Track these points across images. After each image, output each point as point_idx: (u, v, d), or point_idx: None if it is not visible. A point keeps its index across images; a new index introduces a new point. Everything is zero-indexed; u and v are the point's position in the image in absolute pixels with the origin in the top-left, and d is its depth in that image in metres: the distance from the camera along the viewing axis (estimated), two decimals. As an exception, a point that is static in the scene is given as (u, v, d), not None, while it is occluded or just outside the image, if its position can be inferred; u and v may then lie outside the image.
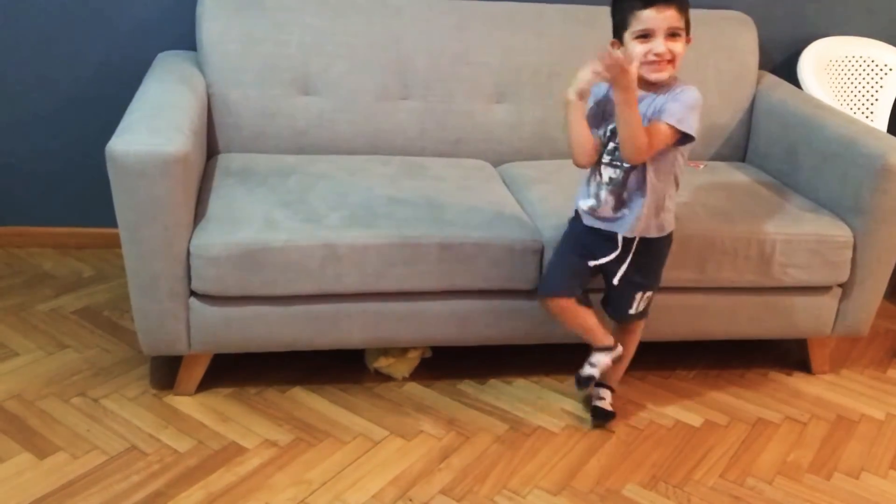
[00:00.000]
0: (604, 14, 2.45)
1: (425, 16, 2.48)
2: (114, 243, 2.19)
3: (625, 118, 1.71)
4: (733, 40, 2.66)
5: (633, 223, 1.86)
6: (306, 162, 2.32)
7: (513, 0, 2.60)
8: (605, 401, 2.11)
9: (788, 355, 2.46)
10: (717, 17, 2.69)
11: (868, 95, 2.89)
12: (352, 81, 2.42)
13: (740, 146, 2.71)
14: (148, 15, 2.54)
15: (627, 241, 1.88)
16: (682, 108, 1.76)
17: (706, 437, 2.10)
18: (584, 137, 1.82)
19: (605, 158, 1.84)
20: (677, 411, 2.19)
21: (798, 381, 2.38)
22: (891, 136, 2.25)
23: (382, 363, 2.20)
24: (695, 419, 2.16)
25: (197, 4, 2.39)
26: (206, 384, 2.09)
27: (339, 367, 2.21)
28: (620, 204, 1.85)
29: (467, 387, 2.21)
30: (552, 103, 2.53)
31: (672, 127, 1.75)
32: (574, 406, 2.17)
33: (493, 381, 2.23)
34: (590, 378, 2.00)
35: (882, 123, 2.85)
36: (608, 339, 2.00)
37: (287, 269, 1.92)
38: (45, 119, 2.63)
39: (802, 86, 2.74)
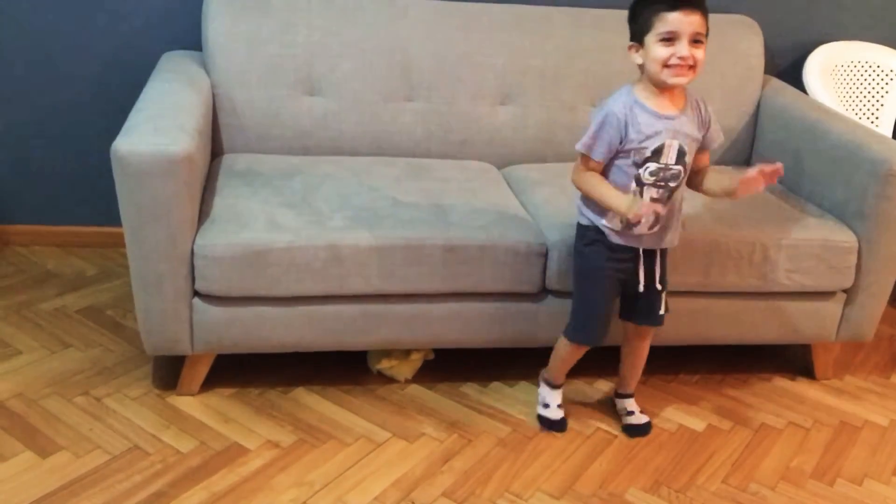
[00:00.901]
0: (609, 17, 2.46)
1: (431, 17, 2.48)
2: (118, 242, 2.19)
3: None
4: (739, 44, 2.66)
5: (671, 236, 1.88)
6: (311, 163, 2.32)
7: (518, 3, 2.59)
8: (635, 415, 2.11)
9: (792, 361, 2.45)
10: (723, 21, 2.68)
11: (873, 101, 2.88)
12: (357, 83, 2.42)
13: (745, 150, 2.71)
14: (153, 15, 2.54)
15: (649, 252, 1.88)
16: (717, 128, 1.87)
17: (709, 441, 2.10)
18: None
19: (648, 178, 1.78)
20: (680, 416, 2.18)
21: (801, 386, 2.37)
22: (896, 142, 2.24)
23: (385, 365, 2.20)
24: (698, 424, 2.16)
25: (202, 4, 2.40)
26: (208, 384, 2.09)
27: (342, 369, 2.21)
28: (657, 221, 1.83)
29: (470, 389, 2.21)
30: (557, 106, 2.54)
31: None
32: (578, 410, 2.16)
33: (495, 384, 2.23)
34: (565, 421, 2.06)
35: (887, 129, 2.85)
36: (563, 379, 2.08)
37: (291, 269, 1.92)
38: (49, 118, 2.64)
39: (808, 90, 2.73)
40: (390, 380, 2.21)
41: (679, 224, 1.90)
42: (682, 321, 2.19)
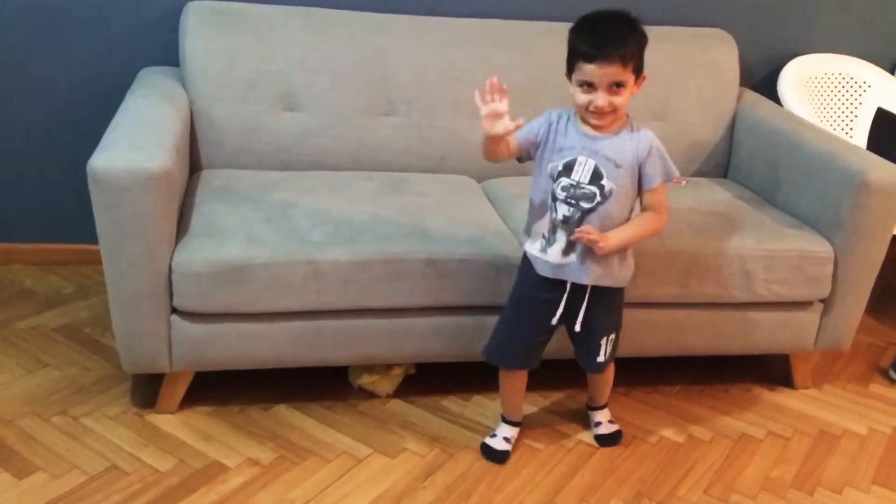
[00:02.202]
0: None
1: (409, 32, 2.49)
2: (95, 260, 2.17)
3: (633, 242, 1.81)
4: (714, 58, 2.69)
5: (599, 272, 1.80)
6: (290, 178, 2.31)
7: (497, 18, 2.61)
8: (602, 425, 2.11)
9: (771, 371, 2.47)
10: (698, 35, 2.72)
11: (847, 112, 2.92)
12: (336, 97, 2.42)
13: (722, 163, 2.73)
14: (130, 30, 2.53)
15: (578, 288, 1.83)
16: (661, 161, 1.78)
17: (690, 452, 2.10)
18: (495, 154, 1.78)
19: (560, 194, 1.76)
20: (661, 427, 2.19)
21: (781, 396, 2.39)
22: (870, 153, 2.27)
23: (366, 380, 2.19)
24: (678, 435, 2.17)
25: (180, 20, 2.39)
26: (187, 402, 2.08)
27: (323, 385, 2.20)
28: (570, 247, 1.79)
29: (451, 403, 2.21)
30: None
31: (666, 182, 1.80)
32: (558, 423, 2.17)
33: (477, 398, 2.23)
34: (506, 454, 2.00)
35: (861, 140, 2.88)
36: (520, 416, 2.06)
37: (270, 285, 1.92)
38: (25, 135, 2.61)
39: (783, 103, 2.77)
40: (371, 395, 2.21)
41: (613, 261, 1.81)
42: (662, 333, 2.21)
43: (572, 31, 1.72)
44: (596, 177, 1.75)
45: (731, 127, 2.71)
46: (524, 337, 1.92)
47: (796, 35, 2.92)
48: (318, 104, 2.42)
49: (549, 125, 1.78)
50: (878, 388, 2.47)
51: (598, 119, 1.72)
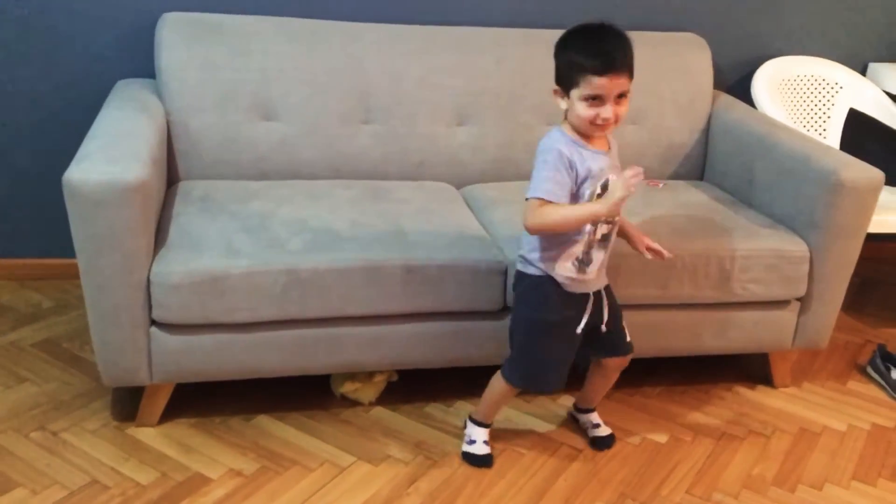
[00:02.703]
0: (558, 38, 2.46)
1: (386, 40, 2.50)
2: (72, 274, 2.15)
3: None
4: (688, 61, 2.72)
5: (605, 273, 1.89)
6: (268, 188, 2.31)
7: (473, 25, 2.62)
8: (601, 427, 2.13)
9: (751, 370, 2.49)
10: (672, 40, 2.74)
11: (820, 113, 2.96)
12: (313, 106, 2.43)
13: (698, 165, 2.76)
14: (105, 42, 2.52)
15: (597, 294, 1.88)
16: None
17: (672, 453, 2.11)
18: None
19: None
20: (643, 428, 2.20)
21: (761, 395, 2.40)
22: (843, 153, 2.30)
23: (348, 388, 2.19)
24: (661, 436, 2.18)
25: (155, 31, 2.39)
26: (168, 414, 2.06)
27: (305, 394, 2.20)
28: (605, 261, 1.86)
29: (434, 410, 2.21)
30: (514, 126, 2.56)
31: None
32: (541, 426, 2.17)
33: (459, 404, 2.23)
34: (491, 457, 2.01)
35: (834, 140, 2.92)
36: (493, 419, 2.06)
37: (249, 295, 1.91)
38: (0, 148, 2.60)
39: (756, 105, 2.80)
40: (354, 403, 2.20)
41: (607, 260, 1.89)
42: (642, 334, 2.21)
43: (570, 47, 1.70)
44: None
45: (706, 130, 2.73)
46: (563, 360, 1.90)
47: (769, 38, 2.95)
48: (296, 113, 2.42)
49: (565, 163, 1.72)
50: (856, 384, 2.50)
51: (603, 130, 1.74)
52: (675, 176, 2.74)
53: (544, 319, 1.85)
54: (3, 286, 2.68)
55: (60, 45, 2.51)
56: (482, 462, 2.01)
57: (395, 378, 2.25)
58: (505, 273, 2.06)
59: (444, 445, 2.07)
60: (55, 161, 2.19)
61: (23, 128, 2.58)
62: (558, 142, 1.74)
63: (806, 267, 2.23)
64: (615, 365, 2.02)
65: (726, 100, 2.78)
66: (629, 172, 1.66)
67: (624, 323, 1.97)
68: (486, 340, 2.11)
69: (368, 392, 2.20)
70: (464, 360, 2.14)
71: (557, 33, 2.77)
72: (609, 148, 1.82)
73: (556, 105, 1.76)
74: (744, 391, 2.41)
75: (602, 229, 1.81)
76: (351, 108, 2.46)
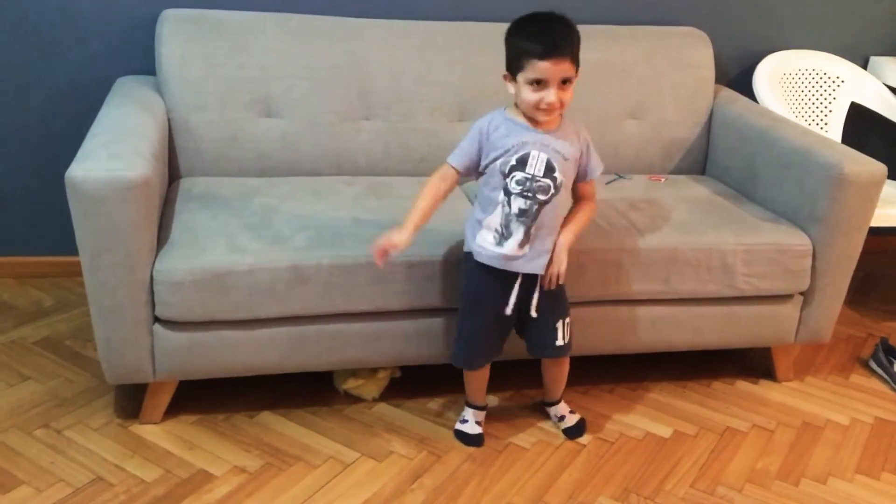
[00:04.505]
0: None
1: (386, 36, 2.50)
2: (75, 272, 2.16)
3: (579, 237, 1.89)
4: (689, 56, 2.71)
5: (540, 261, 1.86)
6: (270, 184, 2.31)
7: (474, 20, 2.62)
8: (566, 418, 2.14)
9: (754, 364, 2.49)
10: (673, 34, 2.74)
11: (821, 107, 2.96)
12: (314, 103, 2.42)
13: (699, 159, 2.76)
14: (106, 39, 2.52)
15: (528, 277, 1.88)
16: (596, 156, 1.92)
17: (676, 447, 2.11)
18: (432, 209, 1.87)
19: (514, 188, 1.80)
20: (647, 423, 2.20)
21: (764, 389, 2.41)
22: (845, 147, 2.30)
23: (352, 385, 2.19)
24: (664, 430, 2.18)
25: (156, 28, 2.38)
26: (172, 412, 2.06)
27: (308, 390, 2.20)
28: (527, 239, 1.83)
29: (437, 405, 2.21)
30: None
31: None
32: (545, 421, 2.17)
33: (463, 399, 2.23)
34: (482, 437, 2.06)
35: (836, 134, 2.92)
36: (484, 400, 2.10)
37: (252, 292, 1.91)
38: (1, 146, 2.59)
39: (758, 99, 2.79)
40: (357, 399, 2.20)
41: (546, 256, 1.87)
42: (645, 329, 2.22)
43: (516, 33, 1.78)
44: (549, 169, 1.81)
45: (708, 124, 2.73)
46: (487, 338, 1.96)
47: (770, 32, 2.95)
48: (297, 110, 2.42)
49: (481, 136, 1.83)
50: (859, 378, 2.50)
51: (547, 115, 1.78)
52: (677, 171, 2.74)
53: (468, 299, 1.93)
54: (4, 284, 2.68)
55: (61, 43, 2.50)
56: (472, 441, 2.05)
57: (397, 374, 2.25)
58: (507, 268, 2.06)
59: (448, 441, 2.07)
60: (57, 158, 2.19)
61: (23, 125, 2.58)
62: (486, 117, 1.85)
63: (808, 261, 2.23)
64: (549, 361, 2.05)
65: (728, 94, 2.77)
66: (383, 239, 1.81)
67: (560, 325, 1.94)
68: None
69: (371, 388, 2.20)
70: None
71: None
72: (557, 127, 1.82)
73: (506, 90, 1.82)
74: (746, 385, 2.41)
75: (519, 203, 1.81)
76: (352, 104, 2.46)
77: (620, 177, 2.60)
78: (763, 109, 2.66)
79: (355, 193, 2.28)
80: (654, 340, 2.25)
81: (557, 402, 2.16)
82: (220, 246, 1.94)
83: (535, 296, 1.89)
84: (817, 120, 2.95)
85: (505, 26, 2.58)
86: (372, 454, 2.00)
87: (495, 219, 1.84)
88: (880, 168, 2.18)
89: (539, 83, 1.73)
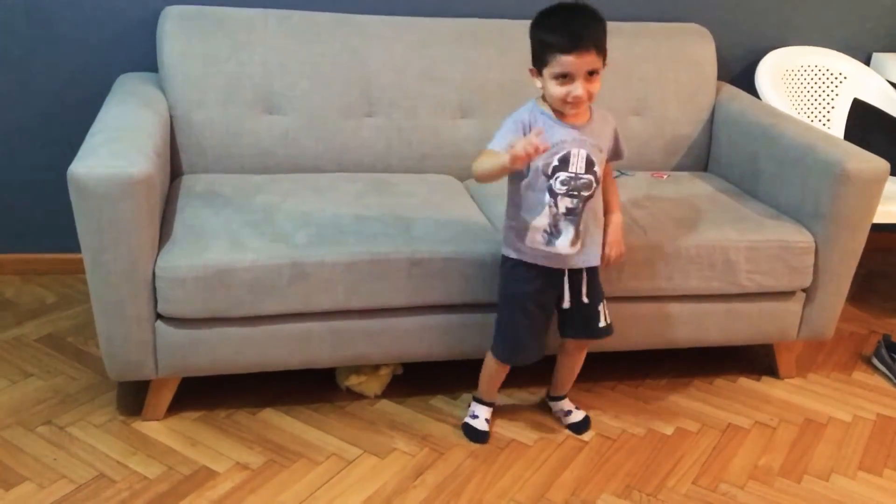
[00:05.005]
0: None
1: (388, 33, 2.49)
2: (77, 269, 2.16)
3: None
4: (692, 52, 2.71)
5: (593, 253, 1.89)
6: (272, 181, 2.31)
7: (476, 17, 2.62)
8: (572, 413, 2.14)
9: (756, 361, 2.49)
10: (676, 30, 2.73)
11: (824, 103, 2.95)
12: (316, 99, 2.42)
13: (702, 156, 2.75)
14: (107, 36, 2.52)
15: (574, 271, 1.90)
16: (622, 141, 1.92)
17: (678, 444, 2.11)
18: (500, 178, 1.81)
19: (560, 188, 1.80)
20: (649, 420, 2.20)
21: (766, 386, 2.40)
22: (847, 143, 2.30)
23: (354, 381, 2.19)
24: (666, 427, 2.18)
25: (157, 25, 2.38)
26: (174, 408, 2.07)
27: (310, 387, 2.20)
28: (577, 236, 1.84)
29: (440, 402, 2.21)
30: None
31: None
32: (547, 418, 2.17)
33: (465, 396, 2.23)
34: (487, 434, 2.06)
35: (838, 130, 2.91)
36: (496, 396, 2.11)
37: (255, 289, 1.91)
38: (3, 143, 2.59)
39: (760, 95, 2.79)
40: (359, 396, 2.20)
41: (600, 239, 1.90)
42: (648, 326, 2.22)
43: (540, 26, 1.75)
44: (589, 165, 1.81)
45: (710, 121, 2.73)
46: (538, 333, 1.96)
47: (772, 28, 2.94)
48: (299, 107, 2.41)
49: (524, 128, 1.79)
50: (861, 375, 2.49)
51: (576, 108, 1.77)
52: (680, 167, 2.73)
53: (513, 295, 1.92)
54: (7, 281, 2.68)
55: (62, 40, 2.50)
56: (478, 437, 2.06)
57: (399, 371, 2.25)
58: (510, 265, 2.06)
59: (450, 438, 2.07)
60: (58, 155, 2.19)
61: (25, 122, 2.58)
62: (522, 110, 1.82)
63: (811, 258, 2.23)
64: (576, 345, 2.05)
65: (730, 91, 2.77)
66: (532, 133, 1.67)
67: (603, 307, 1.97)
68: (491, 332, 2.10)
69: (373, 385, 2.20)
70: (469, 353, 2.14)
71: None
72: (588, 120, 1.82)
73: (533, 85, 1.81)
74: (749, 382, 2.41)
75: (566, 202, 1.81)
76: (354, 100, 2.46)
77: (623, 174, 2.60)
78: (765, 106, 2.66)
79: (357, 190, 2.28)
80: (657, 337, 2.25)
81: (563, 398, 2.16)
82: (222, 243, 1.93)
83: (584, 283, 1.90)
84: (820, 116, 2.94)
85: (508, 22, 2.61)
86: (374, 451, 2.00)
87: (543, 220, 1.82)
88: (883, 165, 2.18)
89: (565, 77, 1.71)
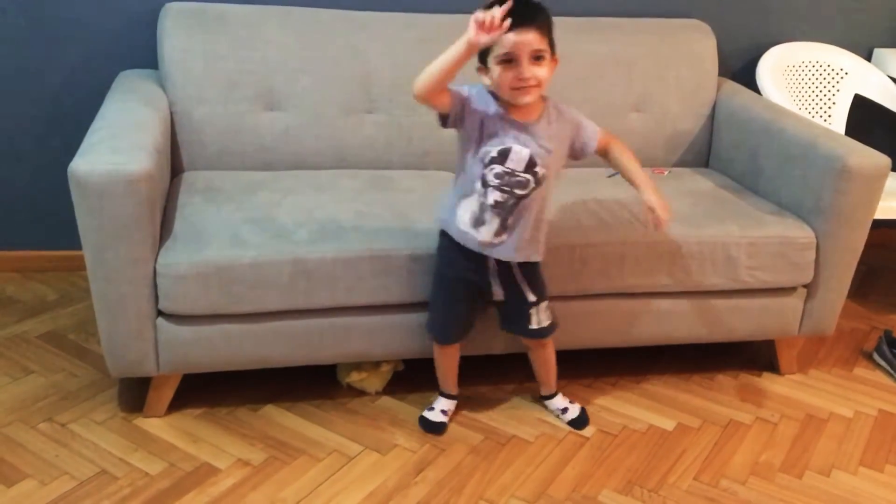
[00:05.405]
0: (565, 25, 2.45)
1: (389, 30, 2.49)
2: (78, 266, 2.16)
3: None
4: (692, 48, 2.70)
5: (527, 251, 1.87)
6: (273, 178, 2.31)
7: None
8: (569, 410, 2.14)
9: (757, 357, 2.49)
10: (676, 26, 2.73)
11: (825, 99, 2.95)
12: (317, 96, 2.42)
13: (703, 152, 2.75)
14: (108, 33, 2.51)
15: (503, 264, 1.88)
16: (585, 120, 1.88)
17: (679, 440, 2.11)
18: (449, 78, 1.68)
19: (493, 181, 1.78)
20: (650, 416, 2.20)
21: (767, 381, 2.40)
22: (849, 139, 2.29)
23: (355, 378, 2.19)
24: (667, 423, 2.18)
25: (158, 22, 2.38)
26: (175, 405, 2.07)
27: (312, 384, 2.20)
28: (503, 229, 1.83)
29: (441, 399, 2.21)
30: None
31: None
32: (548, 415, 2.17)
33: (465, 392, 2.23)
34: (442, 425, 2.06)
35: (839, 126, 2.91)
36: (456, 389, 2.11)
37: (256, 285, 1.91)
38: (4, 141, 2.59)
39: (761, 91, 2.79)
40: (361, 392, 2.20)
41: (540, 239, 1.88)
42: (648, 322, 2.22)
43: None
44: (530, 165, 1.78)
45: (711, 116, 2.72)
46: (454, 312, 1.97)
47: (773, 24, 2.94)
48: (300, 103, 2.41)
49: (480, 101, 1.75)
50: (862, 371, 2.49)
51: (524, 94, 1.71)
52: (680, 163, 2.73)
53: (444, 275, 1.93)
54: (8, 278, 2.69)
55: (62, 36, 2.50)
56: (431, 428, 2.06)
57: (400, 367, 2.25)
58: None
59: (452, 434, 2.07)
60: (59, 152, 2.19)
61: (25, 119, 2.57)
62: (475, 87, 1.76)
63: (812, 253, 2.23)
64: (530, 343, 2.05)
65: (731, 86, 2.76)
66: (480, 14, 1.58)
67: (538, 310, 1.95)
68: (493, 329, 2.10)
69: (375, 382, 2.20)
70: (470, 349, 2.14)
71: (560, 21, 2.75)
72: (539, 118, 1.78)
73: (484, 84, 1.76)
74: (750, 378, 2.41)
75: (496, 195, 1.78)
76: (354, 97, 2.46)
77: (623, 170, 2.59)
78: (767, 102, 2.66)
79: (358, 187, 2.28)
80: (658, 333, 2.25)
81: (554, 395, 2.16)
82: (223, 239, 1.93)
83: (522, 281, 1.90)
84: (821, 112, 2.94)
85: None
86: (375, 447, 2.01)
87: (472, 203, 1.83)
88: (884, 160, 2.18)
89: (510, 61, 1.68)
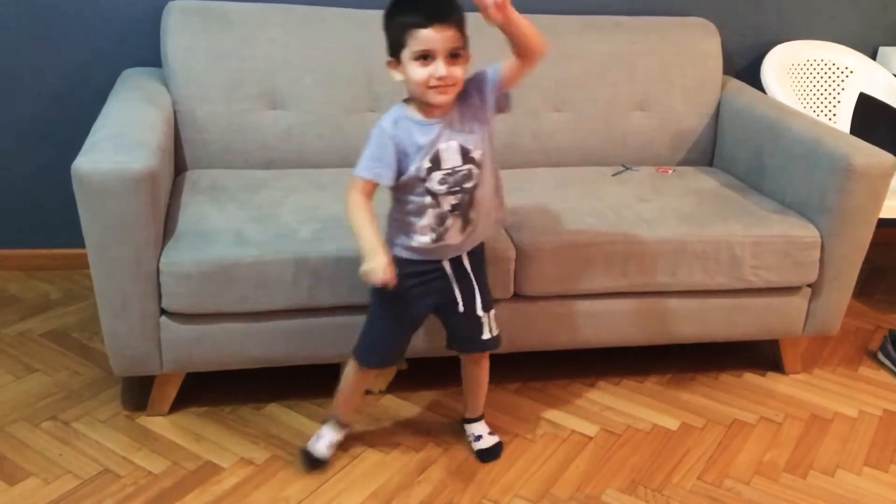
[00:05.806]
0: (567, 23, 2.45)
1: (392, 28, 2.48)
2: (81, 264, 2.15)
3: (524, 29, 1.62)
4: (697, 47, 2.70)
5: (481, 231, 1.78)
6: (276, 177, 2.30)
7: (476, 12, 2.60)
8: (483, 438, 2.01)
9: (761, 356, 2.48)
10: (681, 24, 2.72)
11: (830, 98, 2.94)
12: (319, 95, 2.42)
13: (707, 151, 2.74)
14: (111, 32, 2.51)
15: (455, 263, 1.78)
16: (482, 70, 1.71)
17: (683, 439, 2.11)
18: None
19: (439, 189, 1.66)
20: (654, 415, 2.20)
21: (771, 381, 2.40)
22: (853, 137, 2.28)
23: (358, 377, 2.19)
24: (671, 422, 2.17)
25: (161, 20, 2.38)
26: (179, 404, 2.07)
27: (315, 382, 2.19)
28: (467, 223, 1.73)
29: (444, 398, 2.20)
30: (520, 112, 2.54)
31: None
32: (551, 414, 2.17)
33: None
34: (323, 461, 1.91)
35: (844, 125, 2.90)
36: (351, 417, 1.98)
37: (259, 284, 1.91)
38: (7, 139, 2.59)
39: (766, 90, 2.78)
40: (364, 392, 2.20)
41: (494, 218, 1.80)
42: (652, 321, 2.21)
43: (392, 13, 1.61)
44: (465, 153, 1.67)
45: (716, 115, 2.71)
46: (400, 336, 1.87)
47: (778, 23, 2.93)
48: (303, 102, 2.41)
49: (395, 140, 1.64)
50: (867, 370, 2.49)
51: (441, 93, 1.60)
52: (685, 162, 2.72)
53: (387, 294, 1.71)
54: (11, 277, 2.69)
55: (65, 35, 2.50)
56: (311, 463, 1.91)
57: (404, 367, 2.25)
58: (514, 260, 2.05)
59: (455, 434, 2.07)
60: (62, 151, 2.18)
61: (29, 118, 2.58)
62: (387, 118, 1.66)
63: (817, 253, 2.22)
64: (469, 359, 1.94)
65: (736, 85, 2.75)
66: (380, 271, 1.61)
67: (489, 317, 1.85)
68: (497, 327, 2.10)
69: (378, 381, 2.20)
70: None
71: (563, 19, 2.76)
72: (451, 107, 1.66)
73: (393, 81, 1.65)
74: (754, 378, 2.40)
75: (450, 200, 1.68)
76: (357, 96, 2.45)
77: (628, 168, 2.59)
78: (771, 100, 2.65)
79: (361, 185, 2.27)
80: (662, 333, 2.24)
81: (478, 419, 2.03)
82: (226, 238, 1.93)
83: (474, 287, 1.81)
84: (826, 111, 2.93)
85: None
86: (379, 446, 2.00)
87: (428, 220, 1.70)
88: (889, 159, 2.17)
89: (426, 57, 1.57)
